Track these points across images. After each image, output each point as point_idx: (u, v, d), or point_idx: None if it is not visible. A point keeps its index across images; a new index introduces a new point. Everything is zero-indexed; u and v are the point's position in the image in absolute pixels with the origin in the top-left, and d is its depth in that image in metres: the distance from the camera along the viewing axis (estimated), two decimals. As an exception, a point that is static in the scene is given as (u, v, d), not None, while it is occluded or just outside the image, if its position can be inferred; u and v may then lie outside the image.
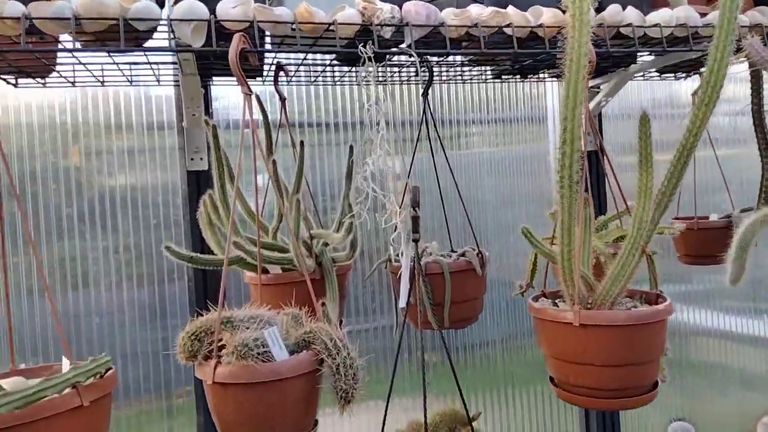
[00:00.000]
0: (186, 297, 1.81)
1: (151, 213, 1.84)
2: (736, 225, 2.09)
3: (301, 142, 1.36)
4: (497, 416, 2.28)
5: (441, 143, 1.64)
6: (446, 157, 1.60)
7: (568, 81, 1.14)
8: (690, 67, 1.95)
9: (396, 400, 2.00)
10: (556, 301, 1.31)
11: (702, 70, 2.08)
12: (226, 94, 1.88)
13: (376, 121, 1.05)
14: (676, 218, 2.06)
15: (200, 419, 1.79)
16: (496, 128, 2.32)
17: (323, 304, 1.18)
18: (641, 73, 2.06)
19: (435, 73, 1.78)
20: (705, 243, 2.05)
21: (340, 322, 1.59)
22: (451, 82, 1.93)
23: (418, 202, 1.09)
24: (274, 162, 1.38)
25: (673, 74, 2.08)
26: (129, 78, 1.60)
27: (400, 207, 1.20)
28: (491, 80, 1.95)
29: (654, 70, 1.99)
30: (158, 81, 1.63)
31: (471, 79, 1.89)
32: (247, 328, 0.96)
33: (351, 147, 1.34)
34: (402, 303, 1.18)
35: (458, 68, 1.77)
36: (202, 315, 1.02)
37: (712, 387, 2.81)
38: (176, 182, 1.84)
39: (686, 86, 2.50)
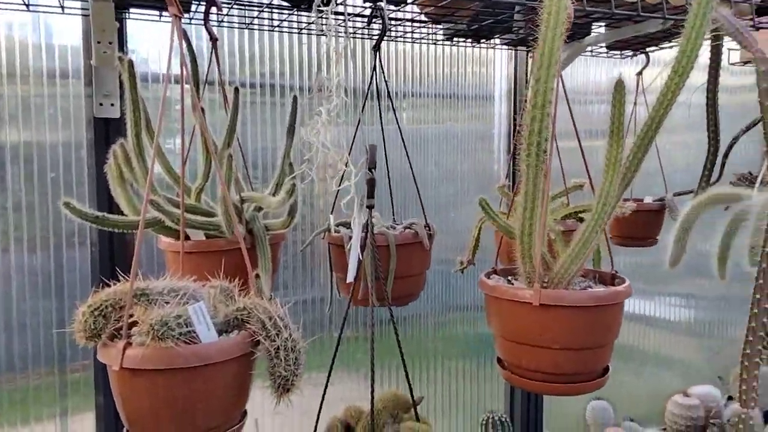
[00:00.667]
0: (88, 265, 1.58)
1: (49, 167, 1.57)
2: (670, 208, 2.13)
3: (236, 89, 1.18)
4: (423, 390, 2.24)
5: (393, 107, 1.50)
6: (398, 122, 1.47)
7: (544, 37, 1.03)
8: (640, 45, 1.92)
9: (313, 375, 1.92)
10: (510, 278, 1.23)
11: (649, 49, 2.06)
12: (140, 41, 1.62)
13: (333, 71, 0.89)
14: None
15: (99, 399, 1.58)
16: (442, 103, 2.23)
17: (257, 276, 1.03)
18: (590, 50, 2.01)
19: (388, 33, 1.63)
20: (638, 225, 2.06)
21: (270, 297, 1.44)
22: (399, 39, 1.78)
23: (375, 163, 0.96)
24: (201, 109, 1.18)
25: (620, 51, 2.05)
26: (26, 1, 1.33)
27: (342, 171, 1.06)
28: (441, 42, 1.83)
29: (604, 45, 1.95)
30: (62, 8, 1.37)
31: (421, 39, 1.76)
32: (167, 303, 0.79)
33: (294, 98, 1.17)
34: (350, 276, 1.05)
35: (409, 25, 1.63)
36: (109, 286, 0.84)
37: (627, 368, 2.91)
38: (81, 133, 1.58)
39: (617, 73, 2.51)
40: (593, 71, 2.60)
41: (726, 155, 1.77)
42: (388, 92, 1.40)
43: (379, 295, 1.33)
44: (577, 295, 1.04)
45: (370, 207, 0.98)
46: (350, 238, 1.28)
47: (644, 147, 1.15)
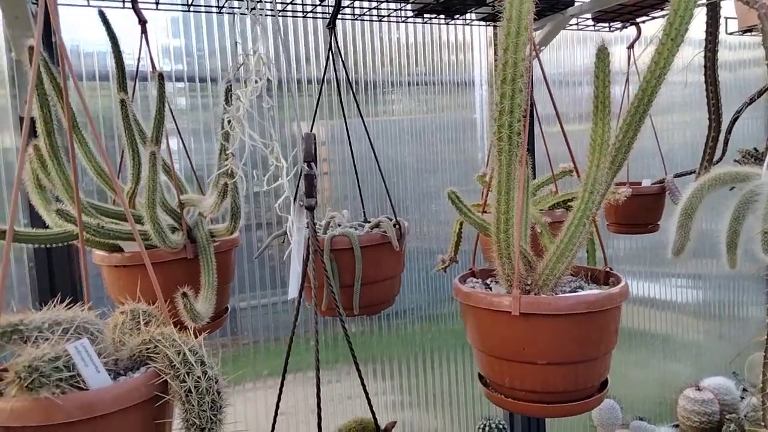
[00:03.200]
0: (27, 284, 1.42)
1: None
2: (670, 191, 1.97)
3: (160, 75, 1.01)
4: (413, 383, 2.14)
5: (354, 96, 1.34)
6: (360, 111, 1.31)
7: (510, 0, 0.87)
8: (629, 15, 1.75)
9: (308, 374, 1.87)
10: (489, 281, 1.07)
11: (640, 20, 1.90)
12: (76, 30, 1.46)
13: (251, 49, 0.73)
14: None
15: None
16: (420, 92, 2.08)
17: (184, 294, 0.87)
18: (575, 23, 1.84)
19: (345, 7, 1.46)
20: (637, 211, 1.91)
21: (225, 310, 1.28)
22: (364, 19, 1.62)
23: (314, 155, 0.80)
24: (123, 102, 1.03)
25: (608, 24, 1.88)
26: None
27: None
28: (411, 20, 1.67)
29: (590, 16, 1.78)
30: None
31: (389, 17, 1.59)
32: (46, 340, 0.63)
33: (229, 86, 1.00)
34: (292, 293, 0.89)
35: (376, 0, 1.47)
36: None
37: (633, 359, 2.76)
38: (10, 135, 1.43)
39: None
40: (581, 52, 2.46)
41: (729, 131, 1.61)
42: (348, 78, 1.24)
43: (345, 303, 1.18)
44: (563, 301, 0.88)
45: (309, 208, 0.82)
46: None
47: (635, 124, 0.99)
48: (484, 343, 0.95)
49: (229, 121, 0.81)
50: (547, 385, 0.90)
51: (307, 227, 0.81)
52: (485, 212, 1.25)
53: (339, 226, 1.18)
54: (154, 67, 1.14)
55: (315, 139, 0.80)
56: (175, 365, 0.65)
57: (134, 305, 0.79)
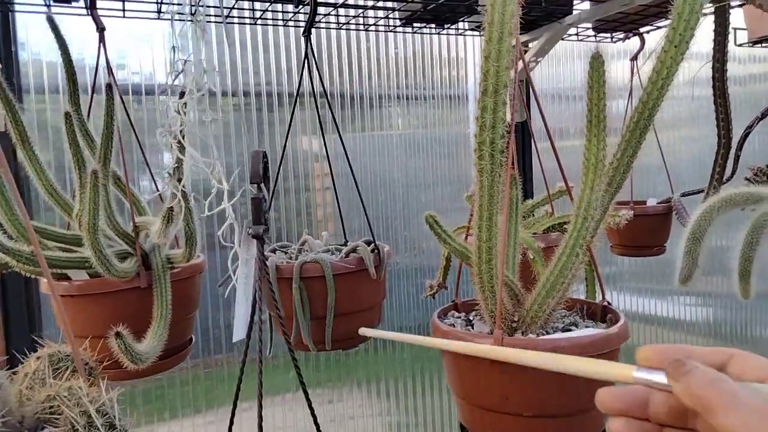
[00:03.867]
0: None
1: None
2: (677, 211, 1.85)
3: (108, 86, 0.92)
4: (403, 405, 2.07)
5: (330, 108, 1.24)
6: (336, 125, 1.21)
7: (492, 2, 0.77)
8: (632, 24, 1.65)
9: (317, 391, 1.88)
10: (471, 317, 0.96)
11: (643, 30, 1.79)
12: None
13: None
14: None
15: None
16: (412, 106, 2.01)
17: (118, 335, 0.76)
18: (575, 33, 1.74)
19: (329, 15, 1.37)
20: (642, 232, 1.79)
21: (189, 341, 1.18)
22: (350, 28, 1.53)
23: (265, 174, 0.69)
24: (67, 115, 0.93)
25: (609, 34, 1.78)
26: None
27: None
28: (400, 29, 1.57)
29: (590, 26, 1.68)
30: None
31: (376, 24, 1.50)
32: None
33: (181, 93, 0.90)
34: (238, 334, 0.78)
35: (359, 8, 1.38)
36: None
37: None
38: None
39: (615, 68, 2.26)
40: (582, 66, 2.37)
41: (740, 148, 1.49)
42: (324, 89, 1.14)
43: (315, 338, 1.07)
44: (551, 343, 0.77)
45: (257, 237, 0.71)
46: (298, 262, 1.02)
47: (635, 141, 0.87)
48: (463, 389, 0.84)
49: (175, 137, 0.71)
50: (534, 440, 0.78)
51: (257, 258, 0.71)
52: (470, 234, 1.14)
53: (309, 252, 1.08)
54: (111, 74, 1.05)
55: (265, 157, 0.69)
56: (78, 430, 0.55)
57: (55, 348, 0.68)
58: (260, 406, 0.67)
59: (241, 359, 0.73)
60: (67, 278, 1.02)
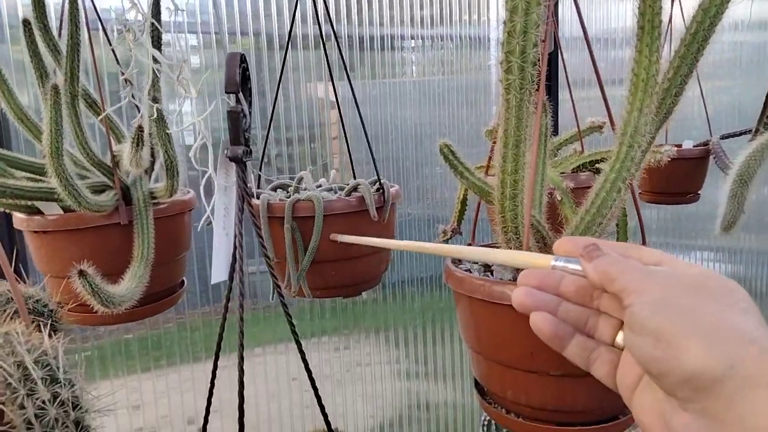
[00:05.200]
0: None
1: None
2: (716, 155, 1.70)
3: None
4: (413, 354, 2.05)
5: (340, 52, 1.10)
6: (346, 71, 1.07)
7: None
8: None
9: (332, 338, 1.89)
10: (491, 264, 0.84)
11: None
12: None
13: None
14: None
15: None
16: (430, 51, 1.87)
17: (81, 273, 0.66)
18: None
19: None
20: (676, 177, 1.64)
21: (181, 284, 1.08)
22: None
23: (244, 82, 0.57)
24: (26, 22, 0.80)
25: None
26: None
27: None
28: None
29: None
30: None
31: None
32: None
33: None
34: (217, 275, 0.68)
35: None
36: None
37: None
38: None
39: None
40: (616, 9, 2.19)
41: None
42: (328, 12, 1.00)
43: (312, 283, 0.97)
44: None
45: (234, 159, 0.59)
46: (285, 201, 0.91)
47: (692, 56, 0.73)
48: (480, 343, 0.73)
49: (120, 31, 0.59)
50: (561, 401, 0.68)
51: (237, 185, 0.59)
52: (490, 174, 1.01)
53: (306, 190, 0.96)
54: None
55: (243, 61, 0.57)
56: (11, 384, 0.45)
57: (5, 287, 0.58)
58: (241, 359, 0.57)
59: (223, 305, 0.63)
60: (38, 213, 0.92)
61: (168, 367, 1.59)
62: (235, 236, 0.58)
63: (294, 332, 0.65)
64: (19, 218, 0.95)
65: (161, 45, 0.73)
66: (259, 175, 1.19)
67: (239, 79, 0.55)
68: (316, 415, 0.71)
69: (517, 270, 0.75)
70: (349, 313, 1.92)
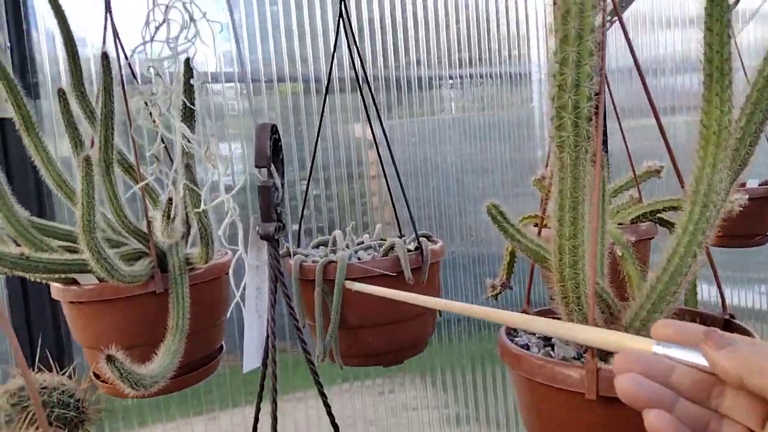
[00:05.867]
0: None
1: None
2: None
3: (104, 55, 0.77)
4: (462, 398, 1.97)
5: (370, 90, 1.07)
6: (377, 111, 1.04)
7: None
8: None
9: (366, 383, 1.82)
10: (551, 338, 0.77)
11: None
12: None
13: None
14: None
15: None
16: (470, 88, 1.85)
17: (109, 358, 0.62)
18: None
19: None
20: (741, 218, 1.52)
21: (219, 349, 1.04)
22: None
23: (276, 154, 0.53)
24: (61, 92, 0.80)
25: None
26: None
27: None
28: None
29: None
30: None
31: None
32: None
33: (187, 60, 0.73)
34: (249, 363, 0.62)
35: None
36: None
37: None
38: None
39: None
40: (663, 37, 2.11)
41: None
42: (360, 56, 0.97)
43: (344, 350, 0.91)
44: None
45: (266, 237, 0.55)
46: (326, 260, 0.86)
47: (766, 100, 0.66)
48: (542, 427, 0.65)
49: (154, 104, 0.56)
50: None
51: (269, 265, 0.54)
52: (545, 226, 0.93)
53: (339, 250, 0.91)
54: (117, 48, 0.91)
55: (275, 132, 0.53)
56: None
57: (16, 385, 0.54)
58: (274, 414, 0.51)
59: (257, 393, 0.57)
60: (74, 282, 0.90)
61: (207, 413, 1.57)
62: (267, 322, 0.53)
63: (322, 393, 0.59)
64: (56, 288, 0.93)
65: (194, 115, 0.71)
66: (299, 231, 1.15)
67: (270, 152, 0.51)
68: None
69: (580, 345, 0.68)
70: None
